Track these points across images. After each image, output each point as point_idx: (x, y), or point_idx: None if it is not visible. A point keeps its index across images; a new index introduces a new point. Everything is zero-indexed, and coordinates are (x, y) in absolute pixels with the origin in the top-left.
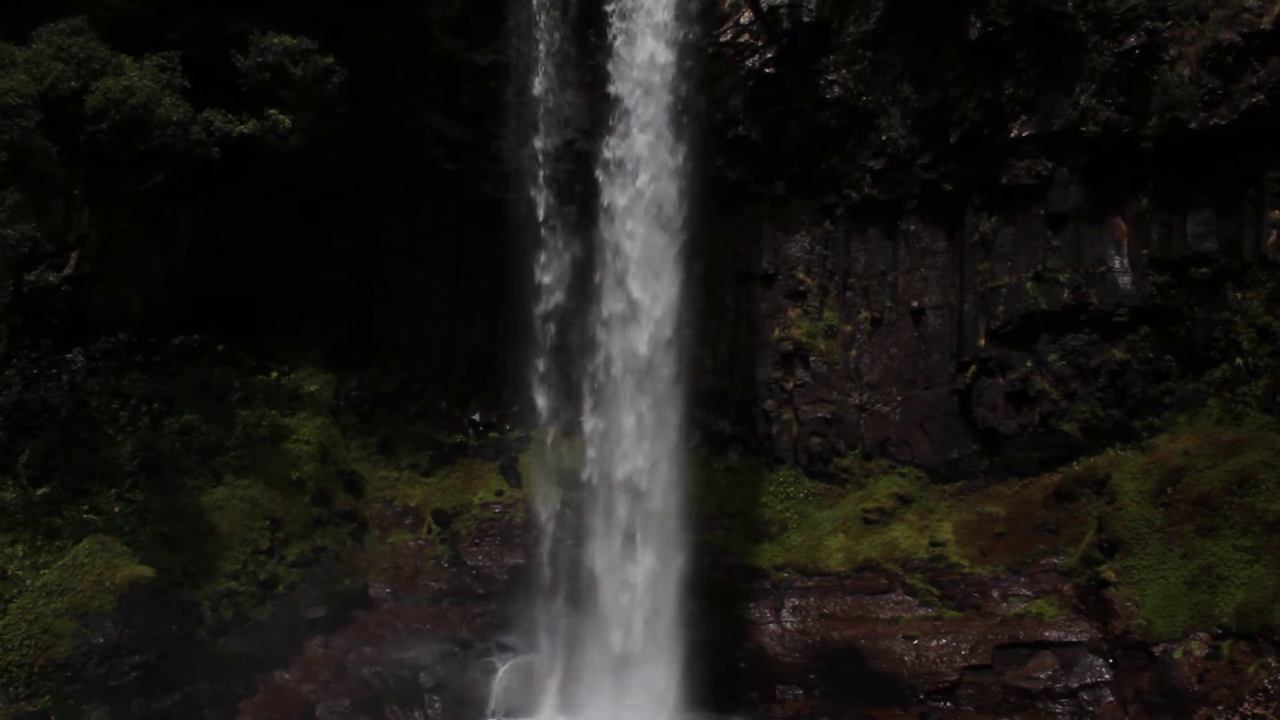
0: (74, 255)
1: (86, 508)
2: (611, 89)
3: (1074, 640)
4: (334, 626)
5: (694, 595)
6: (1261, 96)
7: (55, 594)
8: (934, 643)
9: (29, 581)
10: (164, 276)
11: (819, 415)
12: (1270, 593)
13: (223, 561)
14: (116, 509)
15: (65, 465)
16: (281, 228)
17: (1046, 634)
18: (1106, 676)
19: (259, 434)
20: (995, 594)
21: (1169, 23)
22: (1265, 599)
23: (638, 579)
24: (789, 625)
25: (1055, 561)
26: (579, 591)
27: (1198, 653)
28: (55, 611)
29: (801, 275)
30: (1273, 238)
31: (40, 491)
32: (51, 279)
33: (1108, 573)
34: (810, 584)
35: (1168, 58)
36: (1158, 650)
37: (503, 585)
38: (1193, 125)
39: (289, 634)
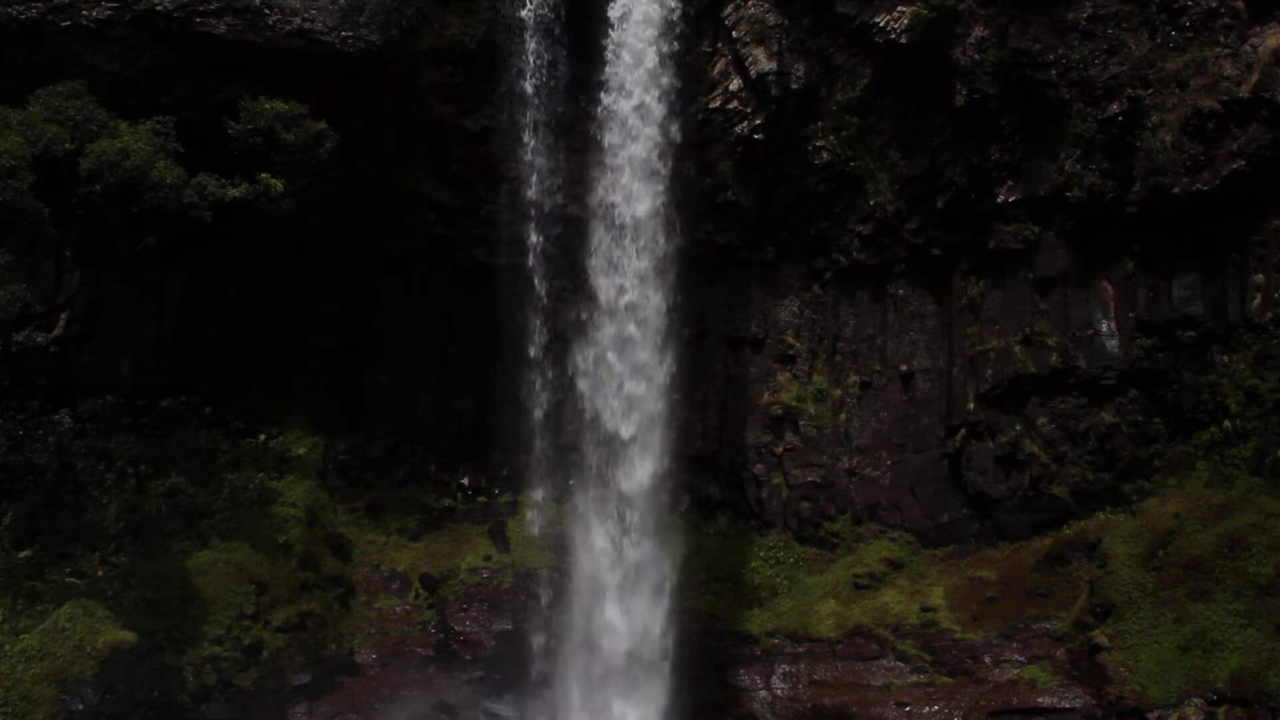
0: (63, 316)
1: (69, 571)
2: (601, 155)
3: (1067, 706)
4: (319, 693)
5: (684, 661)
6: (1242, 162)
7: (34, 659)
8: (926, 709)
9: (8, 646)
10: (153, 338)
11: (809, 479)
12: (1265, 658)
13: (207, 626)
14: (100, 572)
15: (49, 528)
16: (271, 291)
17: (1040, 700)
18: None
19: (246, 497)
20: (987, 659)
21: (1150, 90)
22: (1260, 664)
23: (627, 645)
24: (780, 692)
25: (1047, 626)
26: (567, 658)
27: (1193, 719)
28: (34, 677)
29: (791, 339)
30: (1257, 301)
31: (23, 554)
32: (40, 339)
33: (1100, 637)
34: (801, 650)
35: (1150, 124)
36: (1152, 716)
37: (490, 651)
38: (1176, 190)
39: (273, 701)
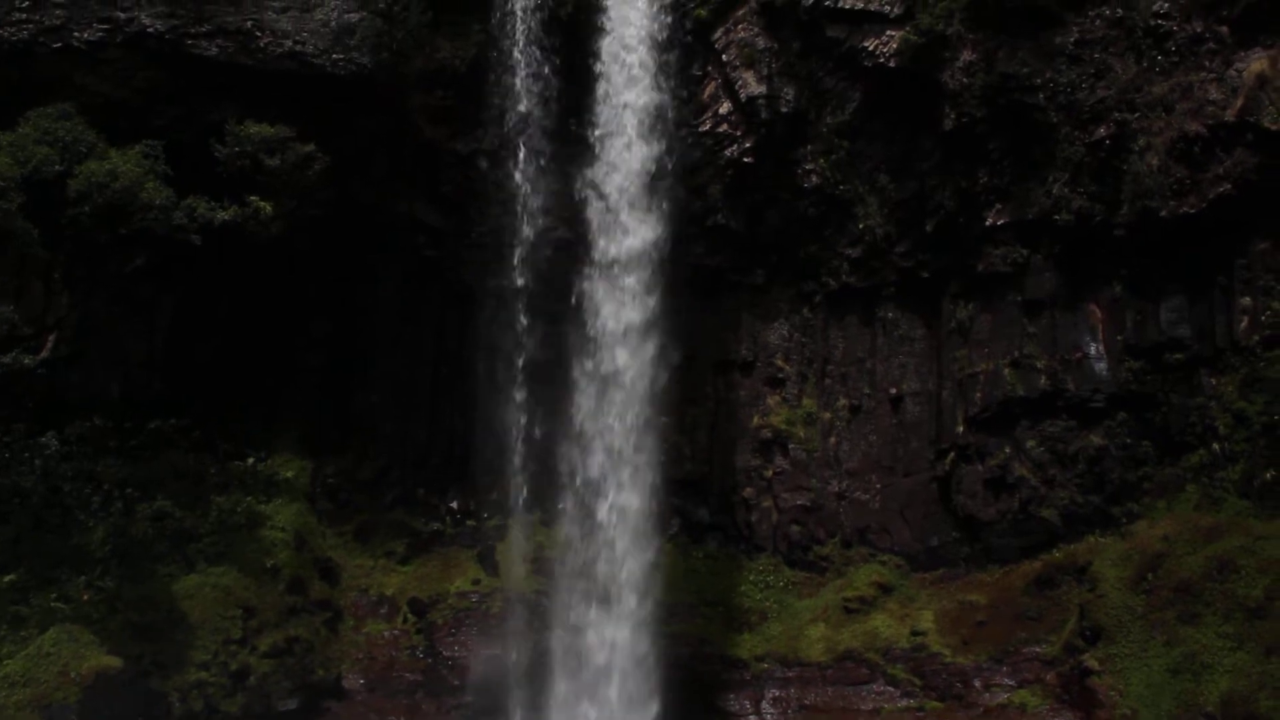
0: (52, 337)
1: (54, 595)
2: (591, 178)
3: None
4: (306, 719)
5: (673, 686)
6: (1228, 186)
7: (18, 685)
8: None
9: None
10: (143, 359)
11: (798, 503)
12: (1255, 681)
13: (193, 651)
14: (86, 597)
15: (34, 551)
16: (261, 310)
17: None
18: None
19: (234, 520)
20: (978, 684)
21: (1137, 114)
22: (1250, 687)
23: (616, 670)
24: (769, 716)
25: (1037, 650)
26: (556, 683)
27: None
28: (17, 704)
29: (780, 363)
30: (1244, 324)
31: (7, 578)
32: (27, 361)
33: (1090, 661)
34: (791, 674)
35: (1137, 148)
36: None
37: (479, 676)
38: (1163, 214)
39: None
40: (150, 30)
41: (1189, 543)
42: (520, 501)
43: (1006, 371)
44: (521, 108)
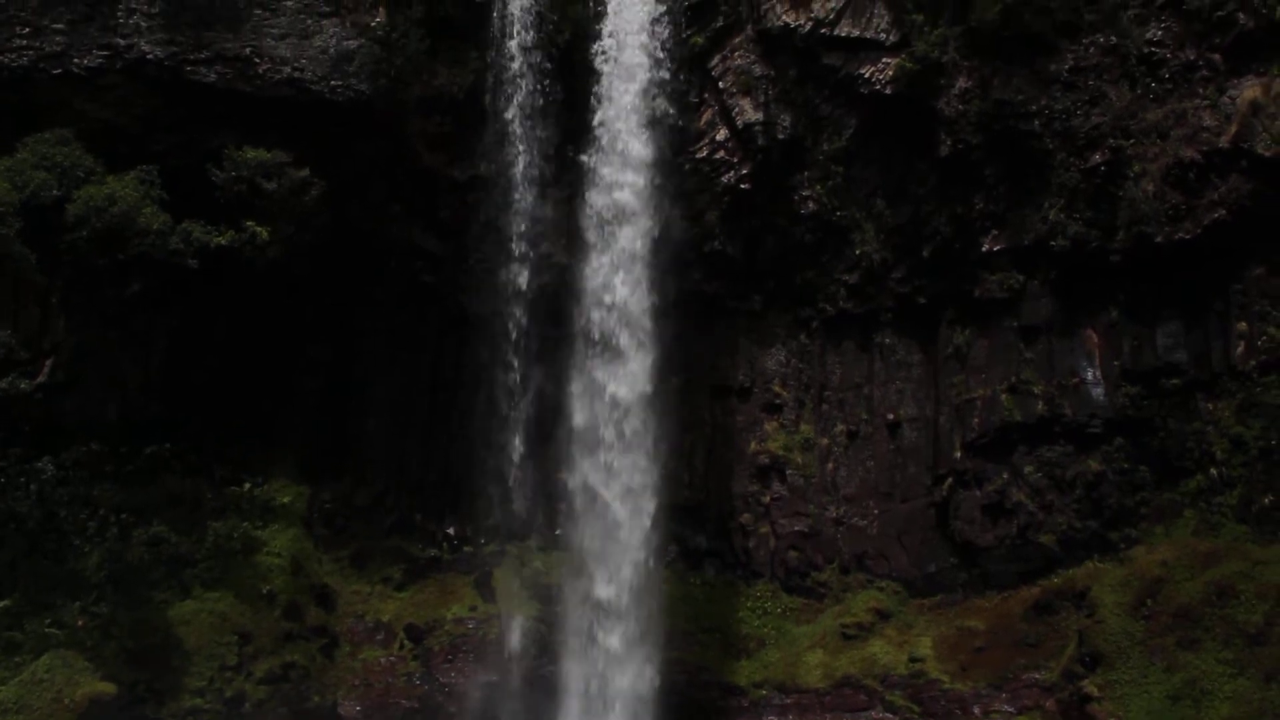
0: (48, 362)
1: (49, 621)
2: (589, 204)
3: None
4: None
5: (671, 713)
6: (1223, 212)
7: (11, 712)
8: None
9: None
10: (140, 383)
11: (796, 529)
12: (1255, 707)
13: (188, 678)
14: (80, 622)
15: (29, 577)
16: (258, 334)
17: None
18: None
19: (230, 546)
20: (976, 710)
21: (1132, 140)
22: (1250, 714)
23: (613, 697)
24: None
25: (1036, 676)
26: (553, 710)
27: None
28: None
29: (778, 388)
30: (1241, 349)
31: (2, 604)
32: (24, 386)
33: (1090, 687)
34: (789, 701)
35: (1132, 174)
36: None
37: (476, 703)
38: (1158, 239)
39: None
40: (150, 57)
41: (1188, 568)
42: (517, 527)
43: (1004, 397)
44: (519, 134)
